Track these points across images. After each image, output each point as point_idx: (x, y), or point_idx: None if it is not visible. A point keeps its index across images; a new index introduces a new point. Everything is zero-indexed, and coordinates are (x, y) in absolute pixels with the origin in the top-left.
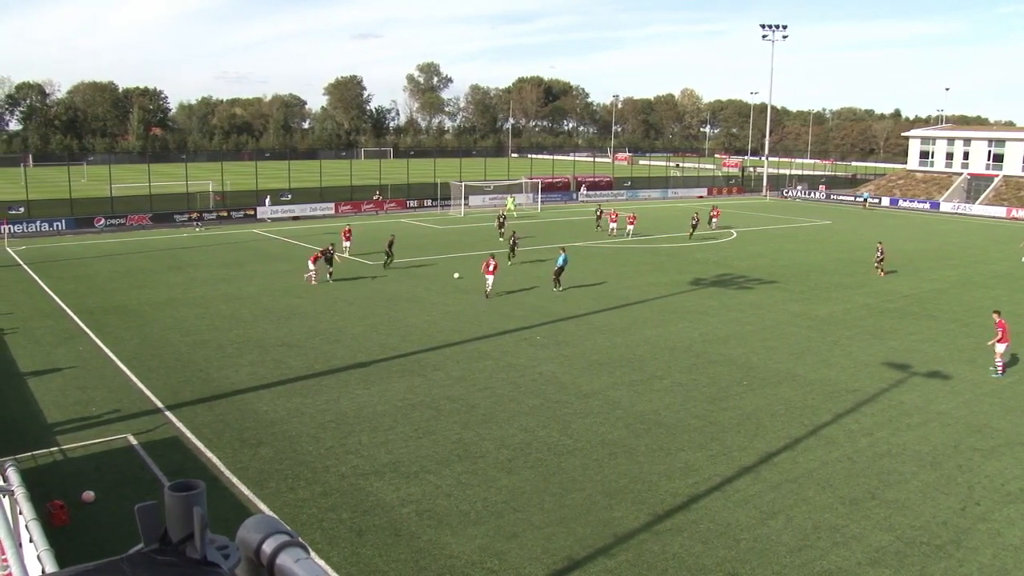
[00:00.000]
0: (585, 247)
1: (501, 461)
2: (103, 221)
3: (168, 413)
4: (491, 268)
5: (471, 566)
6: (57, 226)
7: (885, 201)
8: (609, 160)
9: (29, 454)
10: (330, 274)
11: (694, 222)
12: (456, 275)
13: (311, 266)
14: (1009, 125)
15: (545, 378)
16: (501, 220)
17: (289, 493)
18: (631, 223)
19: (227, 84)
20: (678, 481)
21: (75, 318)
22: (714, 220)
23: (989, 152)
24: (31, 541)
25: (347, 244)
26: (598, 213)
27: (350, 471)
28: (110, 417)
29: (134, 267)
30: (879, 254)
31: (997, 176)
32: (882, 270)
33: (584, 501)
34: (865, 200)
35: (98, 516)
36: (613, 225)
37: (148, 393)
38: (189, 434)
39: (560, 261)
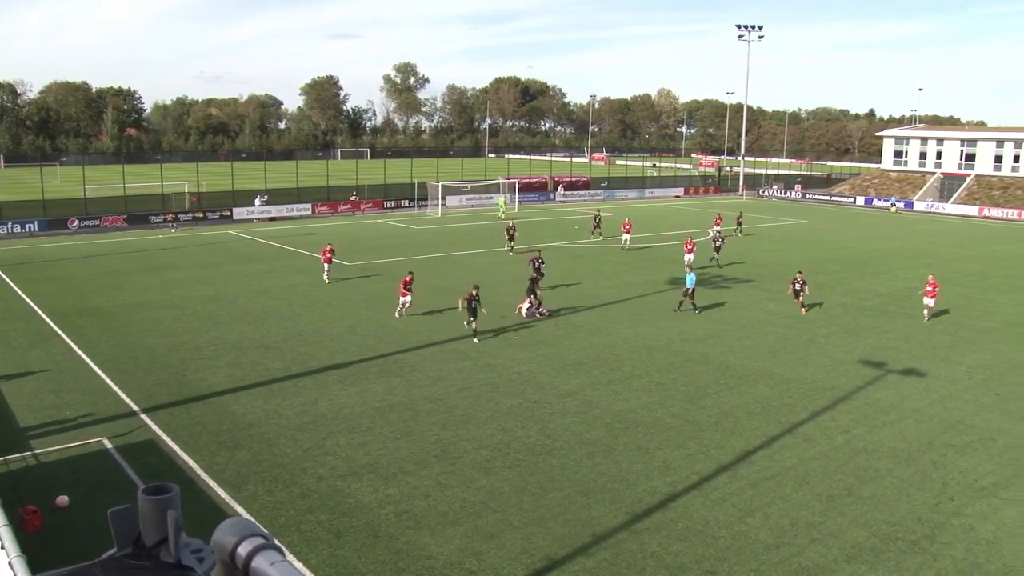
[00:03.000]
0: (563, 247)
1: (479, 461)
2: (77, 222)
3: (144, 416)
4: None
5: (450, 567)
6: (30, 228)
7: (859, 200)
8: (586, 160)
9: (1, 459)
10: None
11: (717, 243)
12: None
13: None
14: (980, 125)
15: (523, 378)
16: (511, 233)
17: (267, 495)
18: (626, 231)
19: (203, 84)
20: (656, 480)
21: (48, 321)
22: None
23: (961, 152)
24: (2, 547)
25: (328, 267)
26: (596, 220)
27: (328, 473)
28: (85, 420)
29: (109, 269)
30: (797, 285)
31: (969, 176)
32: (802, 305)
33: (562, 501)
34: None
35: (73, 521)
36: (627, 236)
37: (123, 396)
38: (165, 437)
39: (690, 282)
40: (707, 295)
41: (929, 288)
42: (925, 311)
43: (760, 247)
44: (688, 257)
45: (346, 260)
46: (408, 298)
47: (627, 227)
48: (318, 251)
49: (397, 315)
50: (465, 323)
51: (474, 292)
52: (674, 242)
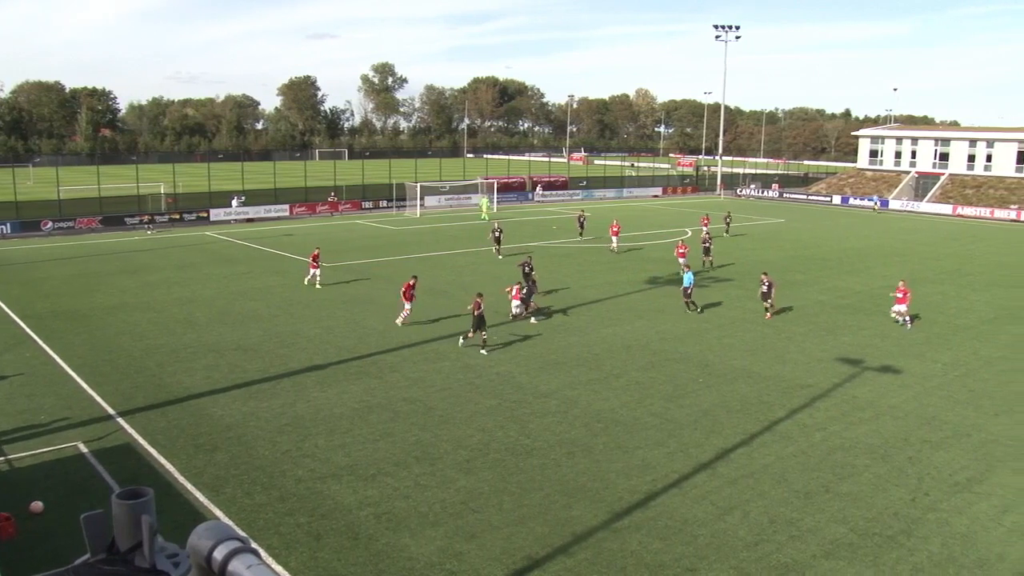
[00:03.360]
0: (543, 247)
1: (459, 462)
2: (51, 224)
3: (120, 420)
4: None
5: (430, 568)
6: (2, 230)
7: (836, 199)
8: (565, 160)
9: None
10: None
11: (707, 244)
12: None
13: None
14: (954, 125)
15: (503, 378)
16: (497, 235)
17: (245, 498)
18: (614, 234)
19: (179, 84)
20: (636, 479)
21: (21, 324)
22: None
23: (935, 151)
24: None
25: (316, 272)
26: (581, 220)
27: (307, 475)
28: (59, 425)
29: (84, 271)
30: (764, 287)
31: (943, 175)
32: (767, 309)
33: (543, 500)
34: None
35: (47, 527)
36: (615, 240)
37: (99, 399)
38: (142, 440)
39: (687, 280)
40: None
41: (899, 295)
42: (899, 318)
43: (738, 246)
44: (682, 260)
45: (324, 261)
46: (409, 305)
47: (616, 230)
48: (297, 252)
49: (400, 323)
50: (470, 334)
51: (478, 300)
52: (653, 242)
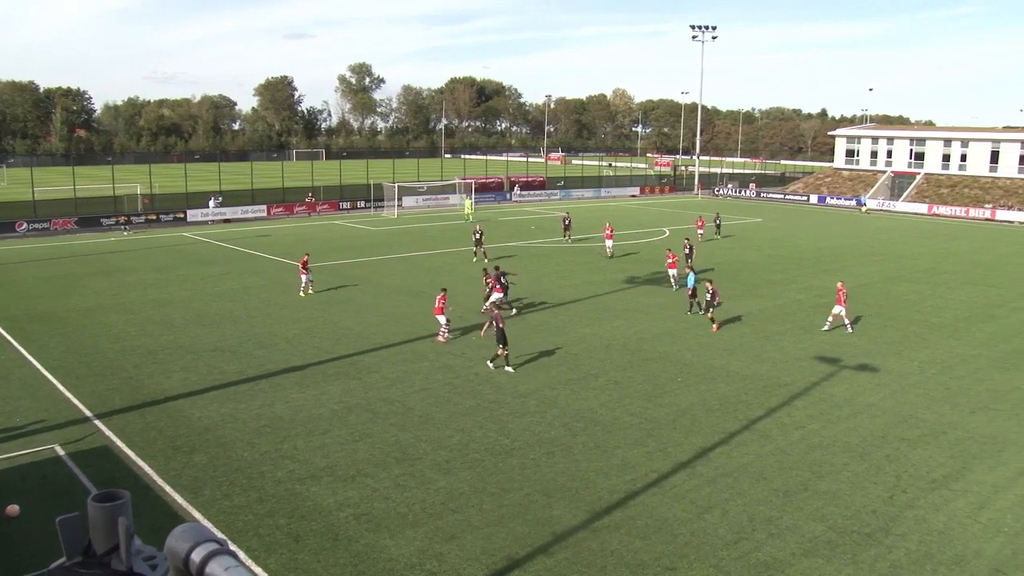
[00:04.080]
0: (521, 247)
1: (439, 462)
2: (25, 225)
3: (97, 422)
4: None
5: (410, 569)
6: None
7: (813, 199)
8: (542, 160)
9: None
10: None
11: (687, 250)
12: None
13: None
14: (929, 125)
15: (481, 378)
16: (477, 237)
17: (224, 500)
18: (608, 237)
19: (155, 85)
20: (615, 478)
21: None
22: (700, 233)
23: (911, 151)
24: None
25: (306, 278)
26: (566, 221)
27: (286, 476)
28: (36, 427)
29: (59, 273)
30: (708, 294)
31: (919, 174)
32: (712, 320)
33: (522, 500)
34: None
35: (24, 531)
36: (610, 243)
37: (76, 402)
38: (119, 443)
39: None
40: (663, 294)
41: (839, 295)
42: (830, 319)
43: (717, 245)
44: (672, 272)
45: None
46: (442, 318)
47: (609, 233)
48: (274, 253)
49: (443, 339)
50: (499, 351)
51: (497, 312)
52: (632, 241)
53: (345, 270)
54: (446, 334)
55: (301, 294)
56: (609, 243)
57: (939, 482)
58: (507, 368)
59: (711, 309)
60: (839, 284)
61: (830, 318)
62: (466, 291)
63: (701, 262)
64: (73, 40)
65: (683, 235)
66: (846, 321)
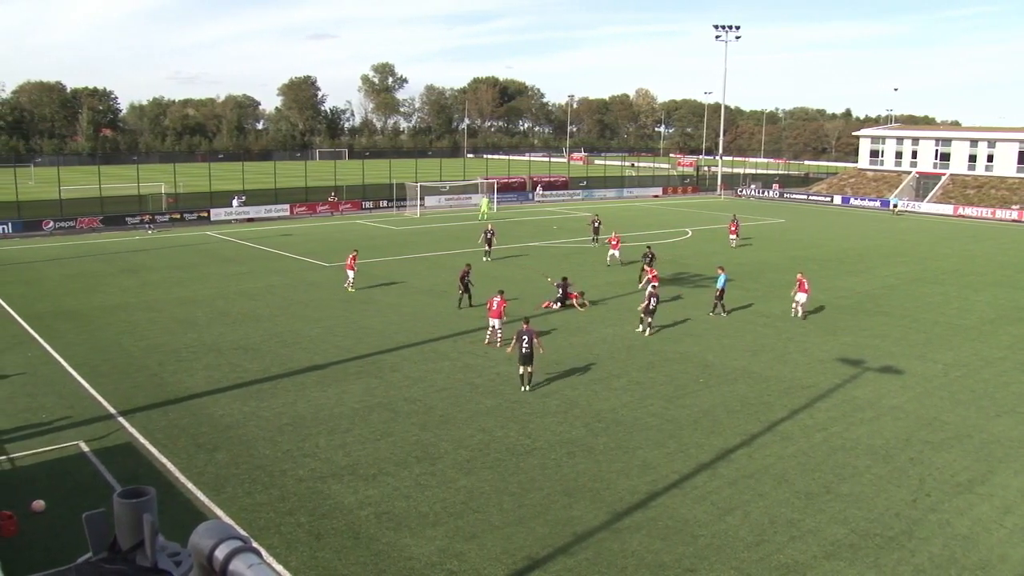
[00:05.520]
0: (543, 247)
1: (459, 462)
2: (52, 224)
3: (121, 419)
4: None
5: (430, 567)
6: (3, 229)
7: (837, 199)
8: (565, 160)
9: None
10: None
11: (647, 259)
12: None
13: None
14: (955, 125)
15: (502, 378)
16: (488, 237)
17: (246, 498)
18: (614, 247)
19: (179, 85)
20: (636, 479)
21: (23, 323)
22: (732, 237)
23: (936, 151)
24: None
25: (352, 274)
26: (595, 224)
27: (308, 474)
28: (61, 424)
29: (84, 271)
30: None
31: (944, 175)
32: (649, 326)
33: (543, 500)
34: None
35: (49, 526)
36: (615, 252)
37: (100, 399)
38: (143, 440)
39: (720, 283)
40: (686, 294)
41: (801, 284)
42: (796, 307)
43: (739, 246)
44: (615, 252)
45: (324, 261)
46: (497, 322)
47: (615, 243)
48: (297, 253)
49: (504, 348)
50: (530, 369)
51: (524, 327)
52: (654, 242)
53: (367, 269)
54: (498, 337)
55: (350, 289)
56: (615, 252)
57: (963, 486)
58: (523, 388)
59: (647, 319)
60: (799, 275)
61: (795, 306)
62: (484, 291)
63: (726, 263)
64: (99, 40)
65: (694, 236)
66: (802, 310)
